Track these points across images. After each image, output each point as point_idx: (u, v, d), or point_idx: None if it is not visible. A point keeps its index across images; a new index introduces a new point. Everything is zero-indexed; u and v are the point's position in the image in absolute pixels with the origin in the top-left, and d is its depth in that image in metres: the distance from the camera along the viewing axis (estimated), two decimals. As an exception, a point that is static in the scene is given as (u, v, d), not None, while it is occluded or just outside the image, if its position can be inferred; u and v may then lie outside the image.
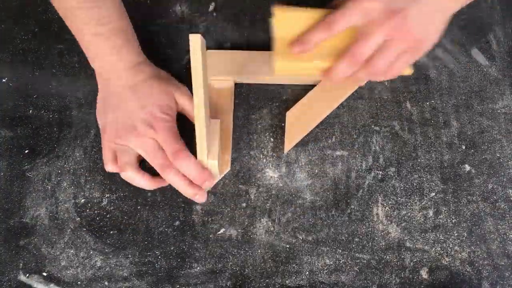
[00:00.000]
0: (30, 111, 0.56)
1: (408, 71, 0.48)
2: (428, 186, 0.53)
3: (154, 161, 0.49)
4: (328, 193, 0.53)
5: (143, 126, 0.49)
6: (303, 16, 0.45)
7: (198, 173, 0.49)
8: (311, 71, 0.47)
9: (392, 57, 0.44)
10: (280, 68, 0.46)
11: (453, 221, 0.51)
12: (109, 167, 0.51)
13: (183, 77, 0.55)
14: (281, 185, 0.53)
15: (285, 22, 0.45)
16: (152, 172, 0.50)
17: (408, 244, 0.51)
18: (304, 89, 0.56)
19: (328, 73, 0.46)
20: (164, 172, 0.49)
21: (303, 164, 0.54)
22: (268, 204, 0.52)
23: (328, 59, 0.45)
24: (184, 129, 0.52)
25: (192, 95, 0.45)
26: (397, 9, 0.42)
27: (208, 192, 0.53)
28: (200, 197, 0.50)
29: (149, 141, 0.49)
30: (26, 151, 0.54)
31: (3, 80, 0.57)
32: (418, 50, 0.45)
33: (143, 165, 0.52)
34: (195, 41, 0.42)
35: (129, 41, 0.50)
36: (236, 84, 0.57)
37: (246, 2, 0.60)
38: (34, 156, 0.54)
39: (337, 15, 0.43)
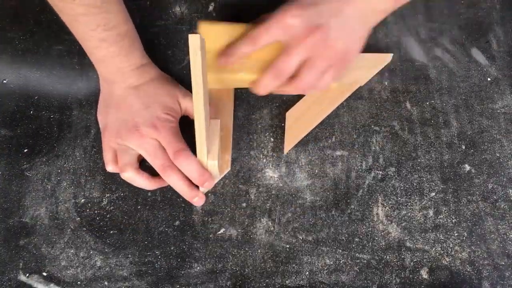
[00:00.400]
0: (31, 111, 0.56)
1: (333, 85, 0.50)
2: (428, 186, 0.53)
3: (154, 162, 0.49)
4: (328, 193, 0.53)
5: (146, 126, 0.49)
6: (229, 30, 0.48)
7: (199, 173, 0.49)
8: (241, 83, 0.50)
9: (317, 72, 0.46)
10: (210, 80, 0.49)
11: (453, 221, 0.51)
12: (110, 167, 0.51)
13: (183, 78, 0.55)
14: (281, 185, 0.53)
15: (212, 35, 0.47)
16: (151, 172, 0.50)
17: (408, 244, 0.51)
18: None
19: (255, 85, 0.48)
20: (164, 172, 0.49)
21: (303, 164, 0.54)
22: (268, 204, 0.52)
23: (256, 72, 0.47)
24: (184, 130, 0.52)
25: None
26: (318, 25, 0.44)
27: (208, 192, 0.53)
28: (199, 200, 0.50)
29: (150, 141, 0.49)
30: (25, 150, 0.54)
31: (4, 81, 0.57)
32: (342, 64, 0.47)
33: (143, 164, 0.52)
34: (195, 41, 0.42)
35: (134, 44, 0.50)
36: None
37: (246, 2, 0.60)
38: (34, 156, 0.54)
39: (260, 30, 0.45)
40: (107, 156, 0.51)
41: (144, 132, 0.48)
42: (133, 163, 0.50)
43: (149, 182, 0.50)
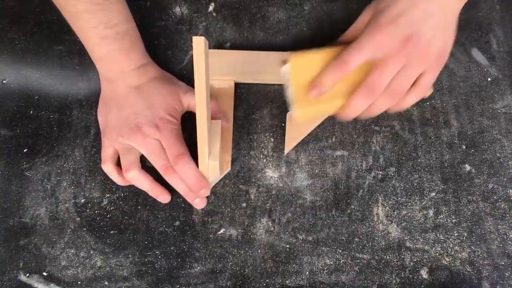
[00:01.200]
0: (31, 111, 0.56)
1: (429, 92, 0.48)
2: (428, 186, 0.53)
3: (157, 162, 0.49)
4: (328, 193, 0.53)
5: (148, 126, 0.48)
6: (317, 58, 0.45)
7: (196, 181, 0.49)
8: (332, 111, 0.47)
9: (413, 77, 0.44)
10: (301, 115, 0.46)
11: (453, 221, 0.51)
12: (107, 166, 0.50)
13: (183, 78, 0.55)
14: (281, 185, 0.53)
15: (301, 67, 0.45)
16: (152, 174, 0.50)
17: (408, 244, 0.51)
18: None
19: (345, 109, 0.45)
20: (166, 173, 0.49)
21: (303, 164, 0.54)
22: (268, 204, 0.52)
23: (347, 96, 0.44)
24: (186, 129, 0.52)
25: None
26: (410, 35, 0.42)
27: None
28: (199, 202, 0.50)
29: (153, 141, 0.49)
30: (25, 150, 0.54)
31: (4, 81, 0.57)
32: (437, 66, 0.45)
33: (143, 164, 0.52)
34: (199, 43, 0.42)
35: (135, 42, 0.50)
36: (236, 84, 0.57)
37: (246, 2, 0.60)
38: (33, 156, 0.54)
39: (350, 53, 0.43)
40: (106, 154, 0.51)
41: (147, 132, 0.48)
42: (137, 162, 0.50)
43: (151, 184, 0.50)
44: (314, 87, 0.44)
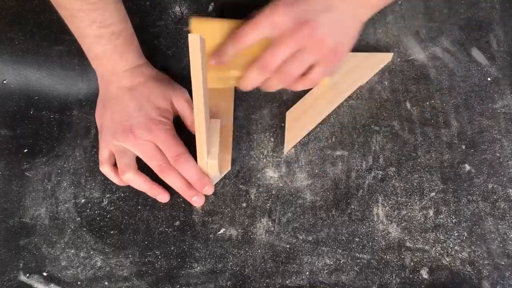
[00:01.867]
0: (31, 111, 0.56)
1: (325, 80, 0.50)
2: (428, 186, 0.53)
3: (152, 163, 0.49)
4: (328, 193, 0.53)
5: (140, 128, 0.49)
6: (221, 26, 0.47)
7: (199, 178, 0.49)
8: (231, 81, 0.49)
9: (304, 64, 0.45)
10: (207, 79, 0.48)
11: (453, 221, 0.51)
12: (104, 168, 0.51)
13: (183, 78, 0.55)
14: (281, 185, 0.53)
15: (203, 32, 0.45)
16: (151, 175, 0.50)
17: (408, 244, 0.51)
18: (304, 90, 0.56)
19: (241, 80, 0.47)
20: (162, 173, 0.49)
21: (303, 164, 0.54)
22: (268, 204, 0.52)
23: (244, 69, 0.47)
24: (184, 129, 0.52)
25: (192, 98, 0.45)
26: (307, 20, 0.43)
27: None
28: (197, 199, 0.50)
29: (146, 143, 0.49)
30: (25, 151, 0.54)
31: (4, 82, 0.57)
32: (333, 59, 0.46)
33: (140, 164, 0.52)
34: (195, 41, 0.42)
35: (130, 43, 0.50)
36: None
37: (246, 2, 0.60)
38: (34, 156, 0.54)
39: (248, 28, 0.44)
40: (102, 156, 0.51)
41: (138, 134, 0.48)
42: (132, 164, 0.50)
43: (149, 184, 0.50)
44: (213, 56, 0.46)
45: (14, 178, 0.54)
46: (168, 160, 0.49)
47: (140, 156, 0.49)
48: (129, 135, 0.48)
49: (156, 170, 0.49)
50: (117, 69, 0.50)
